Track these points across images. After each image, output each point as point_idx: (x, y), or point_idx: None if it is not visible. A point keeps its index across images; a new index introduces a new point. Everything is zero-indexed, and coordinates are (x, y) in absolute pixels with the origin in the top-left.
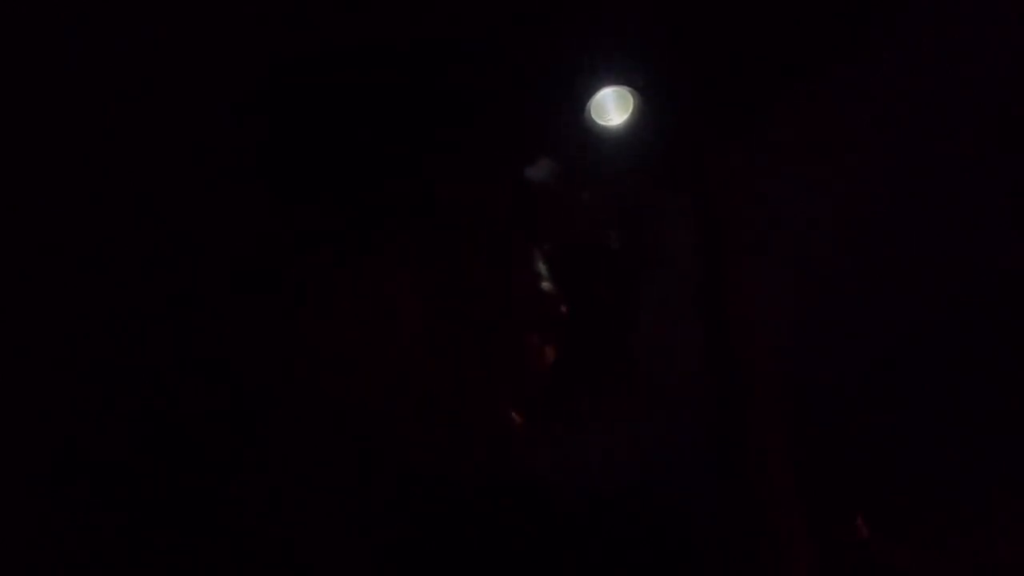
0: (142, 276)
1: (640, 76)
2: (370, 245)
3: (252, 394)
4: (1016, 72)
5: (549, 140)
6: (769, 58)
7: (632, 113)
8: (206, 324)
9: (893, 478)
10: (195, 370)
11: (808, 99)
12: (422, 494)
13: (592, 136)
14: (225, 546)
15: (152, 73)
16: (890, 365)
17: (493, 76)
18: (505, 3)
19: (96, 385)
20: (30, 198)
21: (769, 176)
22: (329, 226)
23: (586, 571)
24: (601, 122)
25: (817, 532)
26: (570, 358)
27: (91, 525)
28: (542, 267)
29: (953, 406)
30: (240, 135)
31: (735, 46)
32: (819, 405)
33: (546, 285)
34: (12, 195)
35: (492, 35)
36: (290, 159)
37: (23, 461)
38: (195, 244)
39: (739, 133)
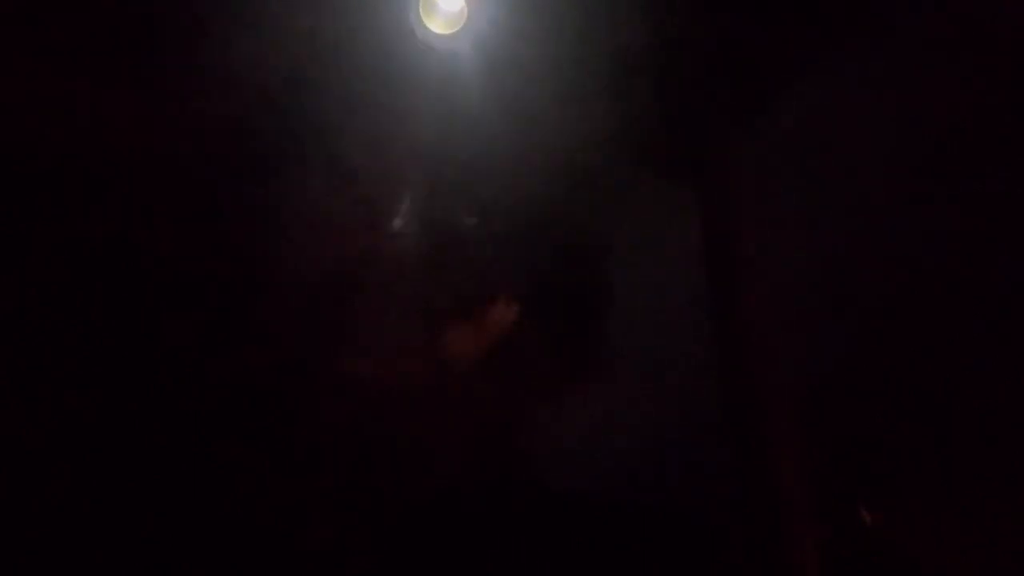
0: (138, 271)
1: None
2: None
3: (249, 387)
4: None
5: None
6: (775, 47)
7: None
8: (200, 322)
9: (903, 468)
10: (192, 369)
11: (817, 90)
12: (421, 491)
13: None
14: (226, 544)
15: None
16: (901, 357)
17: None
18: None
19: (98, 384)
20: None
21: (776, 167)
22: None
23: (589, 565)
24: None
25: (826, 521)
26: (571, 349)
27: (89, 522)
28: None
29: (964, 398)
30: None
31: (740, 34)
32: (828, 397)
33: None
34: None
35: None
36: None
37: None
38: (187, 239)
39: (745, 124)
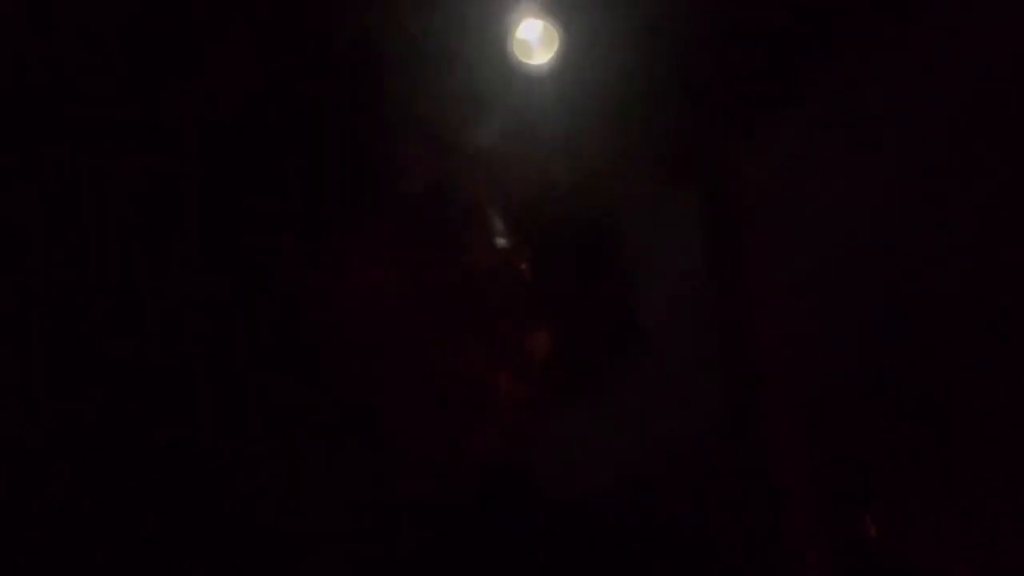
0: (136, 271)
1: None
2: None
3: (248, 385)
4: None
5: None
6: (780, 53)
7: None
8: (198, 316)
9: (903, 469)
10: (191, 366)
11: (818, 95)
12: (419, 495)
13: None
14: (224, 545)
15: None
16: (901, 359)
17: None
18: None
19: (94, 383)
20: None
21: (777, 171)
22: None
23: (587, 568)
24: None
25: (827, 529)
26: (571, 350)
27: (85, 522)
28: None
29: (964, 398)
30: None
31: (746, 39)
32: (829, 398)
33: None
34: None
35: None
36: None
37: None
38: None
39: (748, 128)
